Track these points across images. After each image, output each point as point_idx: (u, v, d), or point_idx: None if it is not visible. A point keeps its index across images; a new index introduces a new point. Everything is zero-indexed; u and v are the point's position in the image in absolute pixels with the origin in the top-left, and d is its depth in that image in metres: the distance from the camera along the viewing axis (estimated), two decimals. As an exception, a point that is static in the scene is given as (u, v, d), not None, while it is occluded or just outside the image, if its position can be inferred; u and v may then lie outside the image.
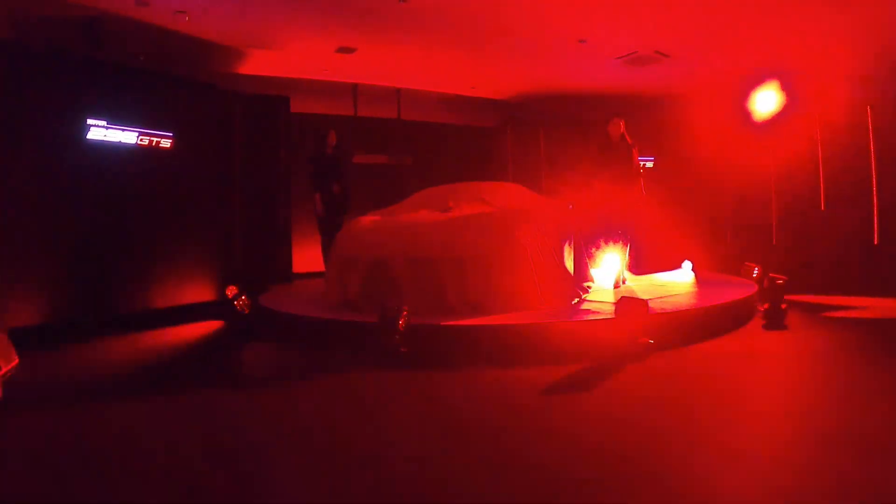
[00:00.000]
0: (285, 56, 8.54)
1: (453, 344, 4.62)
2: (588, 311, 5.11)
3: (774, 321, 5.64)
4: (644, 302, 4.54)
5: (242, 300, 5.67)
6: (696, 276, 7.76)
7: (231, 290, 5.82)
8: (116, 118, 6.97)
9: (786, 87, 10.35)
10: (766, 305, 5.84)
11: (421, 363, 4.36)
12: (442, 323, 4.76)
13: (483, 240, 5.26)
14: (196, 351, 5.39)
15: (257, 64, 8.87)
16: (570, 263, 5.89)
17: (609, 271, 6.63)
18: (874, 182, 9.55)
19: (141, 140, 7.24)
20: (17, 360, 4.18)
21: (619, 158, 6.55)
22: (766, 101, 10.73)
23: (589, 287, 6.16)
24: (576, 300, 5.55)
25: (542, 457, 2.64)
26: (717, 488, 2.27)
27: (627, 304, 4.46)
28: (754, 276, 6.95)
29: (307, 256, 9.56)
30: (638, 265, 7.20)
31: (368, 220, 6.40)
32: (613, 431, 2.94)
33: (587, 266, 6.62)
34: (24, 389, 3.90)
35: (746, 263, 7.29)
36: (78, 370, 4.70)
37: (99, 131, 6.80)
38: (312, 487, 2.40)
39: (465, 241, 5.28)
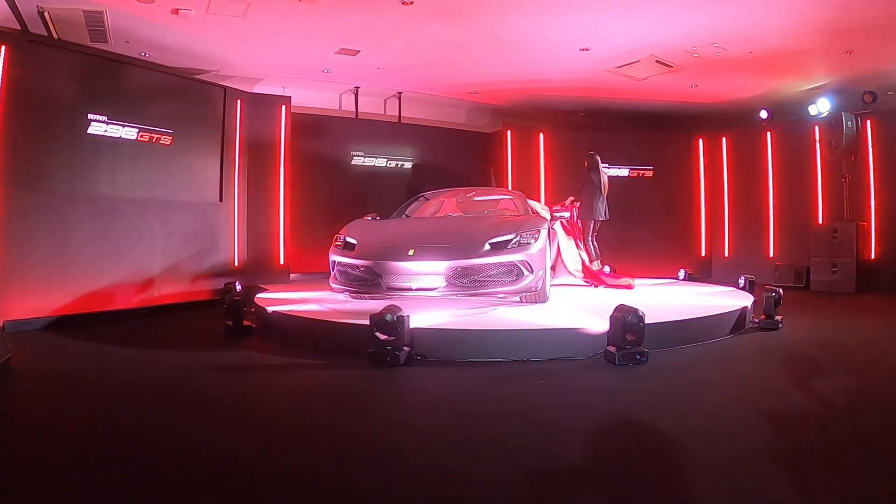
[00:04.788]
0: (287, 56, 8.55)
1: (450, 346, 4.62)
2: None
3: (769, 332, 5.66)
4: (635, 310, 4.53)
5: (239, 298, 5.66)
6: (692, 285, 7.77)
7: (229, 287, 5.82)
8: (117, 114, 6.98)
9: (783, 96, 10.40)
10: (762, 317, 5.85)
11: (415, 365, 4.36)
12: (438, 327, 4.76)
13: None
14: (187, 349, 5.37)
15: (259, 63, 8.88)
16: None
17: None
18: (874, 196, 9.56)
19: (141, 136, 7.26)
20: (10, 354, 4.19)
21: (583, 182, 8.41)
22: (765, 112, 10.79)
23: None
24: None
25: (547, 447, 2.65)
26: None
27: (622, 311, 4.46)
28: (749, 287, 6.98)
29: (303, 256, 9.57)
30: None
31: (376, 220, 6.57)
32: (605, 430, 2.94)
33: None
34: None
35: (742, 275, 7.33)
36: (70, 362, 4.69)
37: (99, 126, 6.82)
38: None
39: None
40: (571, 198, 8.31)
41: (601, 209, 8.30)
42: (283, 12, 6.96)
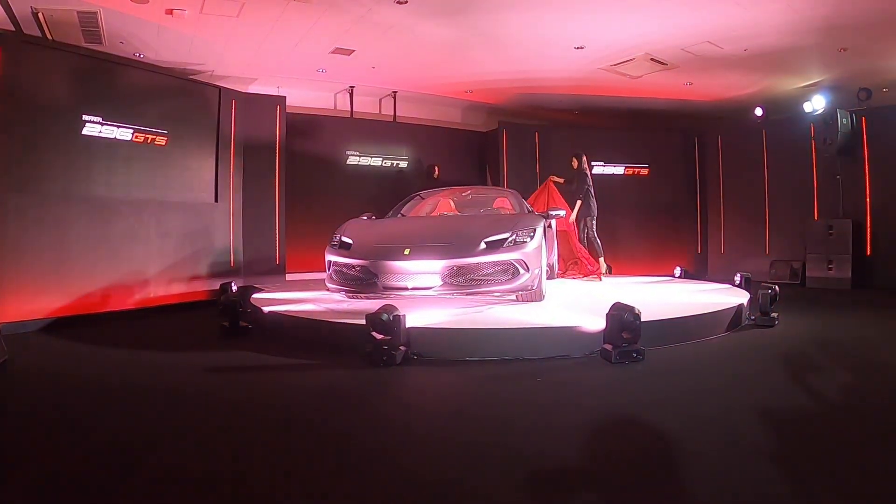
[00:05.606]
0: (282, 55, 8.54)
1: (447, 345, 4.62)
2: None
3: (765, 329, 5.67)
4: (632, 308, 4.54)
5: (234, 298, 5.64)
6: (688, 282, 7.79)
7: (225, 288, 5.79)
8: (112, 115, 6.96)
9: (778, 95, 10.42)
10: (758, 314, 5.86)
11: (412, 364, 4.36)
12: (434, 326, 4.76)
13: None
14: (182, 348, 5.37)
15: (254, 63, 8.86)
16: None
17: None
18: (868, 192, 9.59)
19: (136, 137, 7.24)
20: (6, 356, 4.18)
21: (573, 182, 8.87)
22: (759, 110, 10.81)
23: None
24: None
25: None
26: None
27: (618, 309, 4.46)
28: (745, 284, 7.00)
29: (299, 256, 9.56)
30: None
31: (372, 219, 6.57)
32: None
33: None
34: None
35: (739, 272, 7.35)
36: (67, 364, 4.68)
37: (94, 127, 6.80)
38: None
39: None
40: (553, 177, 8.99)
41: (595, 205, 8.74)
42: (277, 12, 6.95)
